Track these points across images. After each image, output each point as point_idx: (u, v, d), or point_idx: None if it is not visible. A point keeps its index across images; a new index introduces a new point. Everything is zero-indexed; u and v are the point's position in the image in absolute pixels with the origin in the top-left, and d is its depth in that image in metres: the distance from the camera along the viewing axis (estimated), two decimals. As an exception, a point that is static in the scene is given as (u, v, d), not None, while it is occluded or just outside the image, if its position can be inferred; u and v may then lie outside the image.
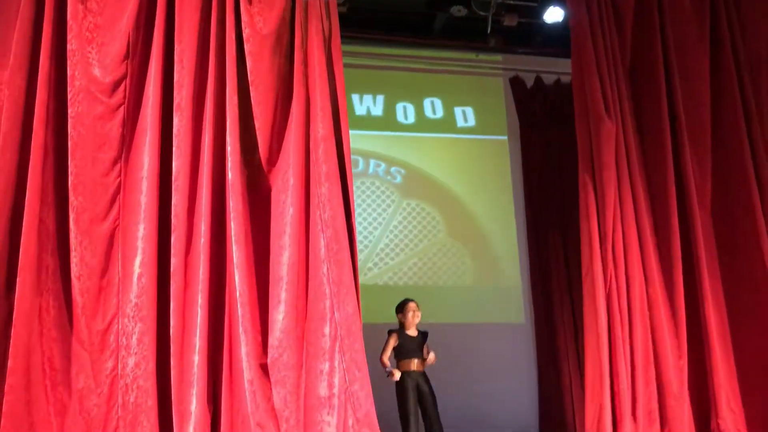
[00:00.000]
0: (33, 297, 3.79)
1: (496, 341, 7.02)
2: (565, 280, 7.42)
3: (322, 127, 4.22)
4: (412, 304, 5.43)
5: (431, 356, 5.22)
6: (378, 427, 3.77)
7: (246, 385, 3.81)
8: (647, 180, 4.79)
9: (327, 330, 3.92)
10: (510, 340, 7.26)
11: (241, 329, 3.88)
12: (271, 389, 3.85)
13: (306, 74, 4.35)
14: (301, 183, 4.17)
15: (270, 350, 3.91)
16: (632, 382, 4.32)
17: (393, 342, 5.26)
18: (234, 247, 4.00)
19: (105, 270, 4.01)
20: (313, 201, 4.14)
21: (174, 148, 4.13)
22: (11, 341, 3.67)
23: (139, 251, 3.98)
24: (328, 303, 3.95)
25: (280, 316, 3.94)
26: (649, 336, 4.46)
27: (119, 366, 3.89)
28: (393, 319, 7.06)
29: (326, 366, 3.86)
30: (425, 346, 5.33)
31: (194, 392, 3.79)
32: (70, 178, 4.04)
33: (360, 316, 3.99)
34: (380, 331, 7.09)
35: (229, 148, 4.14)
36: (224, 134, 4.18)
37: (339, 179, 4.18)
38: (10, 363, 3.64)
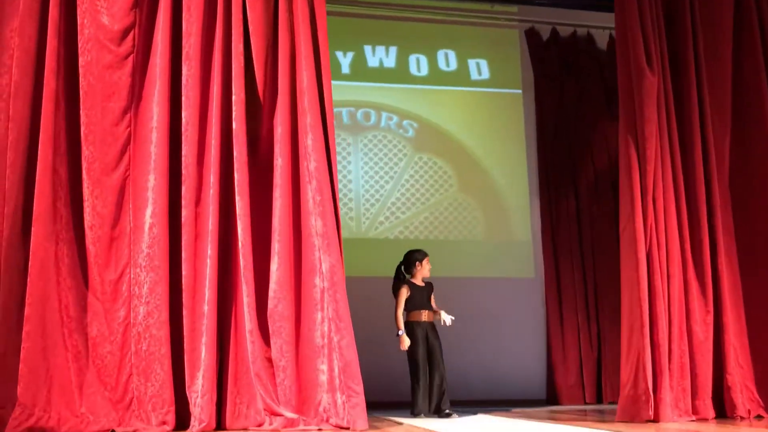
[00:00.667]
0: (48, 246, 3.82)
1: (506, 295, 7.07)
2: (576, 235, 7.43)
3: (306, 76, 4.17)
4: (427, 258, 5.52)
5: (444, 316, 5.37)
6: (360, 377, 3.83)
7: (246, 335, 3.87)
8: (680, 137, 4.77)
9: (317, 281, 3.95)
10: (520, 294, 7.30)
11: (242, 280, 3.92)
12: (269, 339, 3.91)
13: (291, 21, 4.28)
14: (288, 133, 4.14)
15: (268, 301, 3.95)
16: (669, 335, 4.38)
17: (405, 294, 5.36)
18: (237, 198, 4.01)
19: (116, 220, 4.03)
20: (301, 152, 4.11)
21: (183, 98, 4.10)
22: (27, 290, 3.72)
23: (150, 202, 3.99)
24: (317, 254, 3.96)
25: (274, 267, 3.97)
26: (683, 290, 4.51)
27: (131, 315, 3.94)
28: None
29: (319, 316, 3.91)
30: (432, 298, 5.49)
31: (203, 341, 3.85)
32: (82, 128, 4.03)
33: (342, 267, 3.99)
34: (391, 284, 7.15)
35: (234, 98, 4.11)
36: (231, 83, 4.15)
37: (322, 130, 4.14)
38: (26, 311, 3.69)
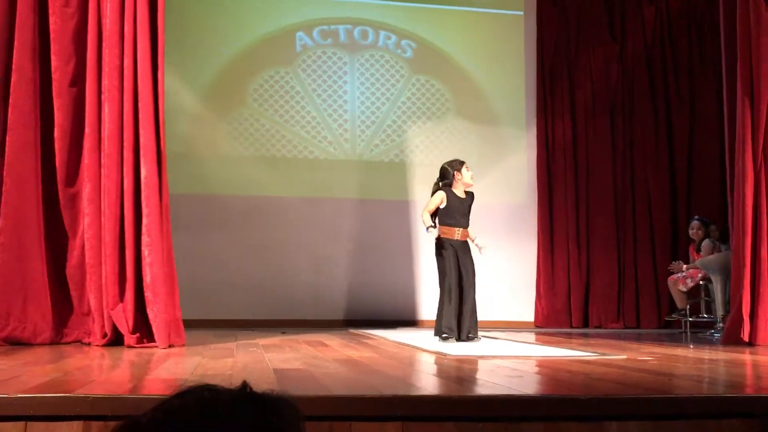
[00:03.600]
0: (25, 156, 3.76)
1: (498, 220, 7.08)
2: (572, 161, 7.41)
3: None
4: (466, 164, 4.78)
5: (478, 242, 4.68)
6: (166, 293, 3.74)
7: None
8: None
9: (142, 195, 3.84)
10: (512, 219, 7.32)
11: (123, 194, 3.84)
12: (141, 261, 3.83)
13: None
14: (132, 36, 3.87)
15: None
16: None
17: (439, 201, 4.63)
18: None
19: (76, 133, 3.90)
20: (139, 62, 3.88)
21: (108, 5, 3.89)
22: (2, 199, 3.69)
23: (106, 114, 3.83)
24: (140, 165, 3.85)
25: (123, 181, 3.83)
26: None
27: (88, 230, 3.84)
28: (400, 196, 7.12)
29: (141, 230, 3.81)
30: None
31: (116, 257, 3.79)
32: (51, 36, 3.89)
33: (157, 180, 3.80)
34: (386, 207, 7.15)
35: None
36: None
37: (150, 46, 3.87)
38: (1, 222, 3.68)
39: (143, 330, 3.70)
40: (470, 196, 4.78)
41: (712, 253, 5.82)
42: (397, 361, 3.18)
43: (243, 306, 6.62)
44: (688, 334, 5.86)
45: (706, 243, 5.98)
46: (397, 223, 7.05)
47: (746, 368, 3.09)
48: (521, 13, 7.64)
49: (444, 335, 4.45)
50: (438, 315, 4.55)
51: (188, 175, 6.77)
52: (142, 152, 3.77)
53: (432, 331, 4.67)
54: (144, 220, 3.74)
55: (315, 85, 7.20)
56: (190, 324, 6.04)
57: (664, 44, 7.55)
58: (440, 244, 4.63)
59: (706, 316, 6.11)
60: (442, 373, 2.77)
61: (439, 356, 3.47)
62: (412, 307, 6.96)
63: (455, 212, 4.65)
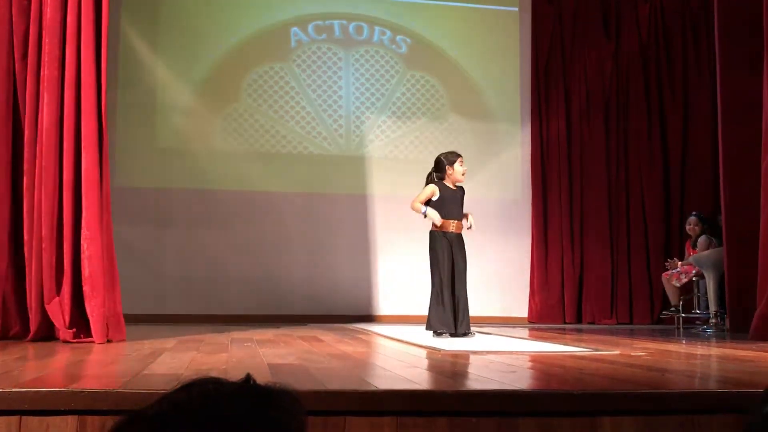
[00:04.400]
0: (2, 149, 3.75)
1: (492, 216, 7.09)
2: (566, 158, 7.42)
3: None
4: (461, 159, 4.74)
5: (471, 221, 4.66)
6: (105, 287, 3.68)
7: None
8: None
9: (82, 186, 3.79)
10: (506, 215, 7.34)
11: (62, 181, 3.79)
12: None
13: None
14: (74, 25, 3.83)
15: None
16: None
17: (430, 194, 4.64)
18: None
19: (26, 122, 3.83)
20: (81, 54, 3.82)
21: None
22: None
23: (44, 104, 3.77)
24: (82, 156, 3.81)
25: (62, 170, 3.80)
26: None
27: (34, 225, 3.79)
28: (396, 191, 7.11)
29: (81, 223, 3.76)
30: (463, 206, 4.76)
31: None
32: (14, 32, 3.87)
33: (98, 171, 3.74)
34: (381, 202, 7.16)
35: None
36: None
37: (94, 38, 3.81)
38: None
39: (80, 324, 3.63)
40: (460, 188, 4.74)
41: (708, 249, 5.86)
42: (390, 356, 3.19)
43: (237, 301, 6.63)
44: (681, 329, 5.89)
45: (702, 239, 6.01)
46: (393, 219, 7.06)
47: (739, 364, 3.11)
48: (516, 9, 7.65)
49: (439, 331, 4.42)
50: (430, 310, 4.52)
51: (182, 170, 6.76)
52: (83, 144, 3.71)
53: (429, 326, 4.60)
54: (83, 213, 3.68)
55: (310, 81, 7.19)
56: (183, 319, 6.09)
57: (659, 42, 7.58)
58: (434, 236, 4.59)
59: (698, 312, 6.14)
60: (436, 368, 2.78)
61: (433, 351, 3.48)
62: (411, 303, 6.97)
63: (449, 203, 4.61)
